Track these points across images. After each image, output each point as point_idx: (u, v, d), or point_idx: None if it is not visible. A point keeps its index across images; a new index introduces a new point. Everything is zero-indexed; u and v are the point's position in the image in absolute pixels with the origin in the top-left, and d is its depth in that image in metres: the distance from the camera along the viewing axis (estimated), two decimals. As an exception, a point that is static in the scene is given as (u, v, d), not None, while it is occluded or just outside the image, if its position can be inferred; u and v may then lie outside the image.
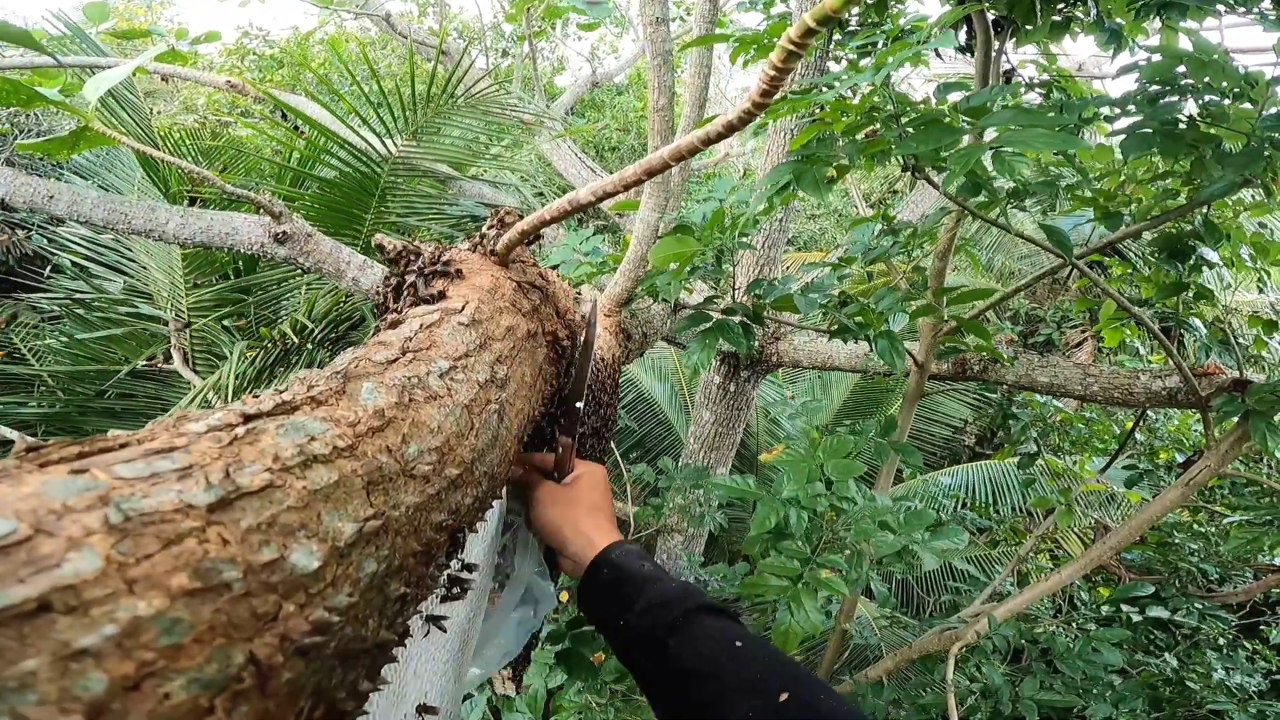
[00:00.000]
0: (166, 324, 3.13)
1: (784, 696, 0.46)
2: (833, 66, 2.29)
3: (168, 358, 3.18)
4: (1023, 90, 2.01)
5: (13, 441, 2.87)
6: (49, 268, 3.65)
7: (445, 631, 0.50)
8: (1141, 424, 2.52)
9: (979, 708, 1.83)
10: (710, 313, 1.63)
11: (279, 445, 0.26)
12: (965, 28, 1.81)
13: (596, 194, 0.44)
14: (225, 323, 3.04)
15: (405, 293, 0.56)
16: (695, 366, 1.56)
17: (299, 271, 3.06)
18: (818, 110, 1.14)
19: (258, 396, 0.29)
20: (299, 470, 0.26)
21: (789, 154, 1.44)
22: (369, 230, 2.94)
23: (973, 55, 1.78)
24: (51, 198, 1.22)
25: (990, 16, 1.68)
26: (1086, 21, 1.81)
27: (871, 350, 1.59)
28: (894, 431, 1.81)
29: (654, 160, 0.40)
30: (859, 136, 1.18)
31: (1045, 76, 2.04)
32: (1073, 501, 1.95)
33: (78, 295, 3.23)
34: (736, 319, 1.58)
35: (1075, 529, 4.20)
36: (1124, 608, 2.26)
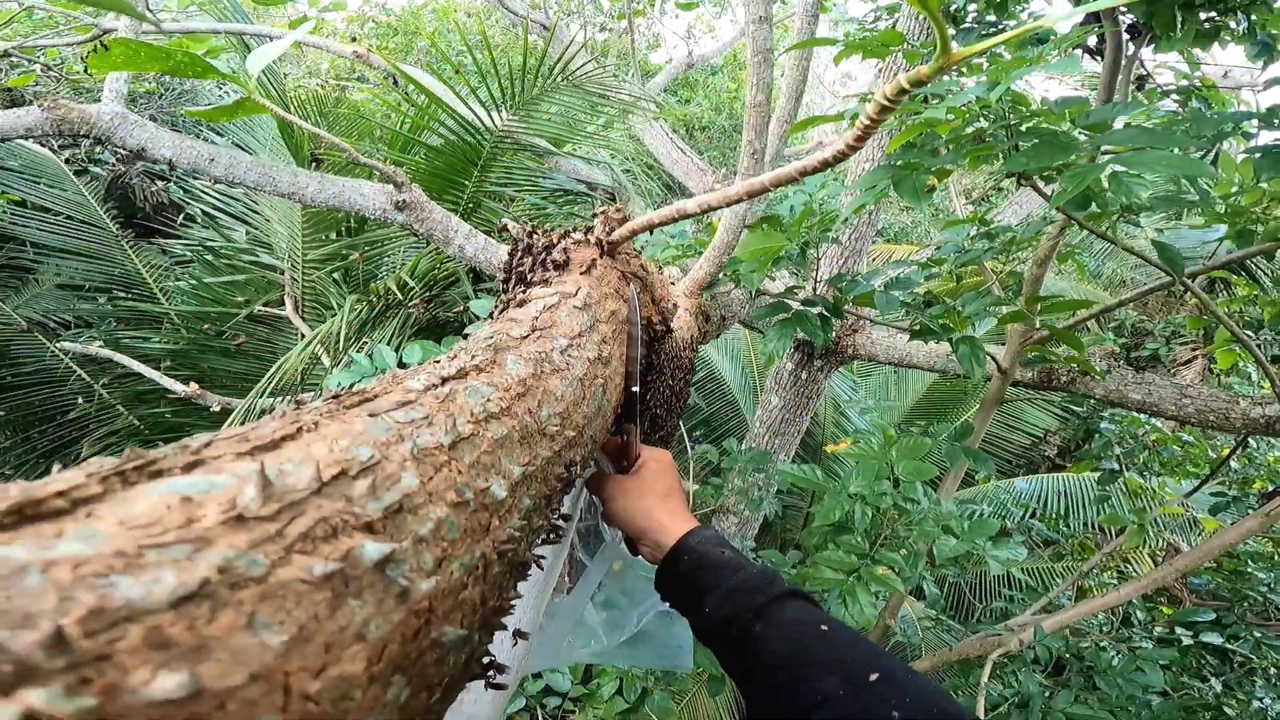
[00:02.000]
0: (282, 273, 3.41)
1: (874, 676, 0.47)
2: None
3: (281, 304, 3.47)
4: (1158, 98, 1.90)
5: (137, 374, 3.21)
6: (182, 216, 4.01)
7: (541, 570, 0.59)
8: (1239, 451, 2.38)
9: (1009, 715, 1.83)
10: (790, 302, 1.67)
11: (470, 404, 0.35)
12: (1096, 30, 1.74)
13: (703, 206, 0.50)
14: (334, 275, 3.29)
15: (527, 274, 0.64)
16: (771, 354, 1.60)
17: (398, 233, 3.27)
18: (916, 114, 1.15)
19: (436, 361, 0.38)
20: (484, 424, 0.34)
21: (886, 154, 1.44)
22: (469, 197, 3.10)
23: (1102, 59, 1.70)
24: (212, 160, 1.39)
25: (1126, 21, 1.61)
26: (1236, 32, 1.70)
27: (953, 353, 1.59)
28: (968, 437, 1.80)
29: (755, 184, 0.46)
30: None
31: (1184, 84, 1.92)
32: (1147, 523, 1.89)
33: (208, 243, 3.55)
34: (815, 310, 1.61)
35: (1148, 550, 4.02)
36: (1179, 630, 2.20)
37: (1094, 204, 1.36)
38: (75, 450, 3.70)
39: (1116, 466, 2.27)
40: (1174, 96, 1.96)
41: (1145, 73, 2.03)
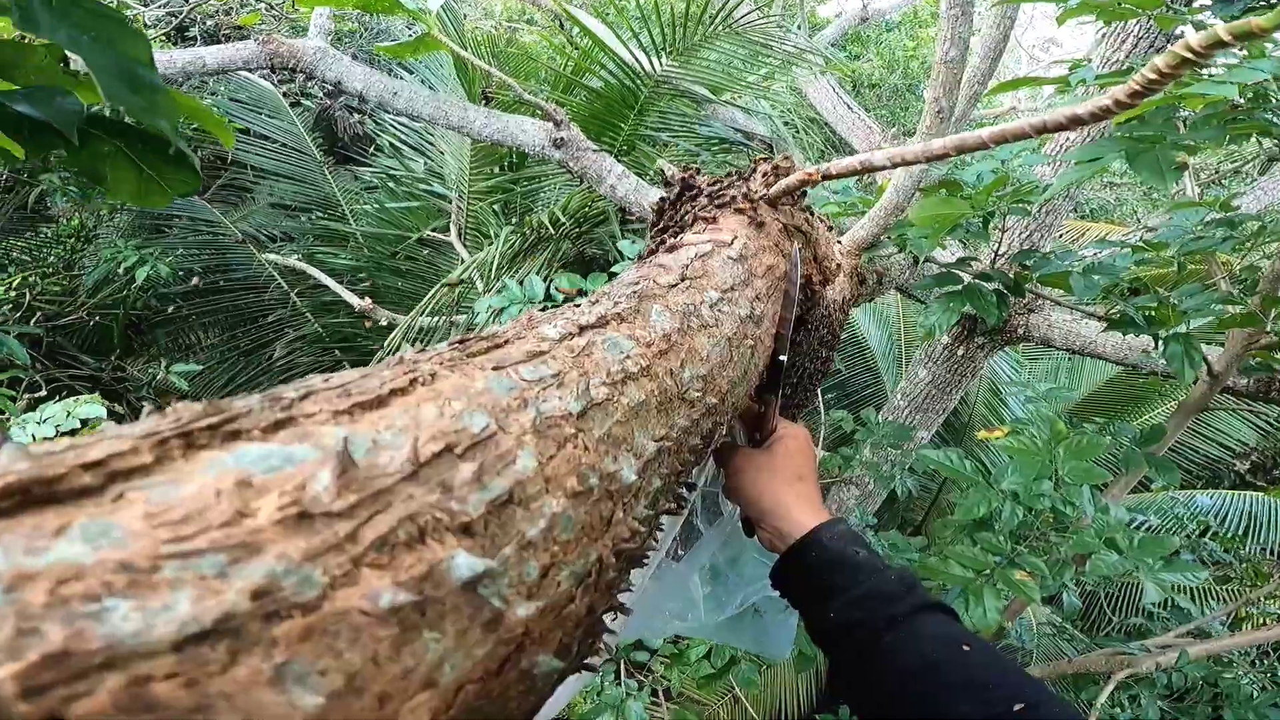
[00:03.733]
0: (450, 201, 3.64)
1: (1018, 706, 0.42)
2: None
3: (446, 230, 3.71)
4: None
5: (324, 286, 3.58)
6: (373, 146, 4.37)
7: (657, 543, 0.56)
8: None
9: (1121, 739, 1.66)
10: (960, 274, 1.50)
11: (607, 360, 0.31)
12: None
13: (894, 160, 0.43)
14: (495, 207, 3.46)
15: (681, 218, 0.60)
16: (931, 328, 1.46)
17: (554, 170, 3.35)
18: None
19: (577, 305, 0.36)
20: (620, 386, 0.31)
21: (1114, 125, 1.21)
22: (624, 140, 3.09)
23: None
24: (395, 94, 1.47)
25: None
26: None
27: (1156, 348, 1.37)
28: (1157, 442, 1.57)
29: (969, 139, 0.38)
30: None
31: None
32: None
33: (391, 171, 3.85)
34: (992, 286, 1.44)
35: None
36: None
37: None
38: (269, 351, 4.26)
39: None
40: None
41: None
